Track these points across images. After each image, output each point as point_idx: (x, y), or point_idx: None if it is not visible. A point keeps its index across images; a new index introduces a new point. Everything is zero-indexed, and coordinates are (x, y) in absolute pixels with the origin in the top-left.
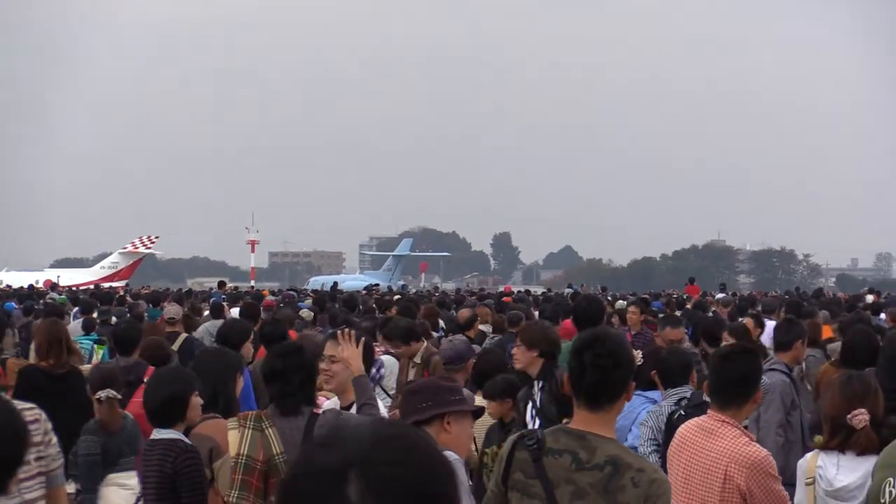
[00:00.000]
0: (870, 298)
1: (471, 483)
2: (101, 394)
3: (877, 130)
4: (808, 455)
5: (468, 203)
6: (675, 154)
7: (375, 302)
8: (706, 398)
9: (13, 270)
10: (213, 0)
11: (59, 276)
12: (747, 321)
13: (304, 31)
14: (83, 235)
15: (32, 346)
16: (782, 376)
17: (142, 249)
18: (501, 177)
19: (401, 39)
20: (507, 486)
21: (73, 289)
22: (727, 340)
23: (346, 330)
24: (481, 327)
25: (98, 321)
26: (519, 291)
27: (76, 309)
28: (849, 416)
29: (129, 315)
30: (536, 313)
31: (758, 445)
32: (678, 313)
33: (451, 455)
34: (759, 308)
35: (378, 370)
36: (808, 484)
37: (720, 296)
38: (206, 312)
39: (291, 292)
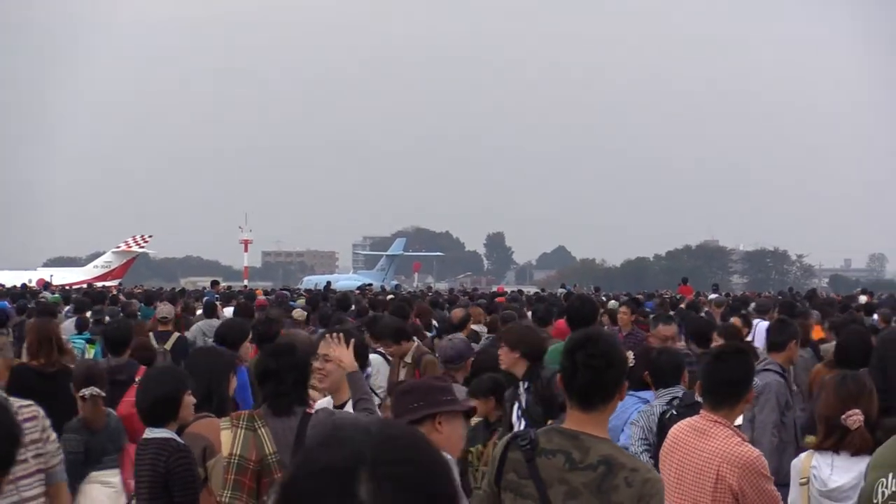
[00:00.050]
0: (863, 299)
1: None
2: (85, 391)
3: (877, 130)
4: (803, 455)
5: (462, 203)
6: (675, 154)
7: (369, 302)
8: (698, 398)
9: (5, 269)
10: (213, 0)
11: (52, 276)
12: (735, 321)
13: (304, 31)
14: (83, 235)
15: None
16: (776, 377)
17: (135, 249)
18: (501, 177)
19: (401, 39)
20: (501, 487)
21: (66, 288)
22: (717, 341)
23: (336, 333)
24: (474, 327)
25: (92, 320)
26: (512, 291)
27: (67, 308)
28: (843, 416)
29: (121, 314)
30: (529, 313)
31: (750, 445)
32: (671, 314)
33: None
34: (751, 308)
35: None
36: (802, 484)
37: (713, 296)
38: (199, 312)
39: (284, 292)
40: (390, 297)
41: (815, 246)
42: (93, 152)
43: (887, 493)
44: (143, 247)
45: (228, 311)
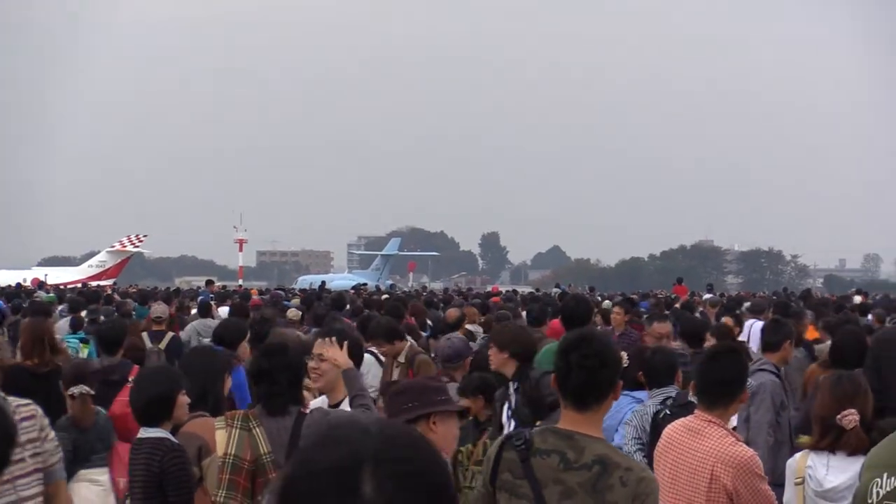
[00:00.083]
0: (857, 299)
1: None
2: (74, 390)
3: (877, 130)
4: (798, 455)
5: (458, 203)
6: (675, 154)
7: (363, 301)
8: (691, 398)
9: (0, 269)
10: (213, 0)
11: (46, 275)
12: (726, 320)
13: (304, 31)
14: (83, 235)
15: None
16: (772, 376)
17: (130, 248)
18: (501, 177)
19: (401, 39)
20: (496, 487)
21: (61, 287)
22: (710, 341)
23: (329, 336)
24: (469, 327)
25: (87, 320)
26: (507, 291)
27: (60, 307)
28: (839, 416)
29: (116, 314)
30: (524, 313)
31: (744, 445)
32: (666, 313)
33: None
34: (744, 308)
35: None
36: (797, 484)
37: (708, 296)
38: (194, 311)
39: (279, 291)
40: (385, 296)
41: (815, 246)
42: (93, 152)
43: (882, 493)
44: (137, 246)
45: (223, 311)
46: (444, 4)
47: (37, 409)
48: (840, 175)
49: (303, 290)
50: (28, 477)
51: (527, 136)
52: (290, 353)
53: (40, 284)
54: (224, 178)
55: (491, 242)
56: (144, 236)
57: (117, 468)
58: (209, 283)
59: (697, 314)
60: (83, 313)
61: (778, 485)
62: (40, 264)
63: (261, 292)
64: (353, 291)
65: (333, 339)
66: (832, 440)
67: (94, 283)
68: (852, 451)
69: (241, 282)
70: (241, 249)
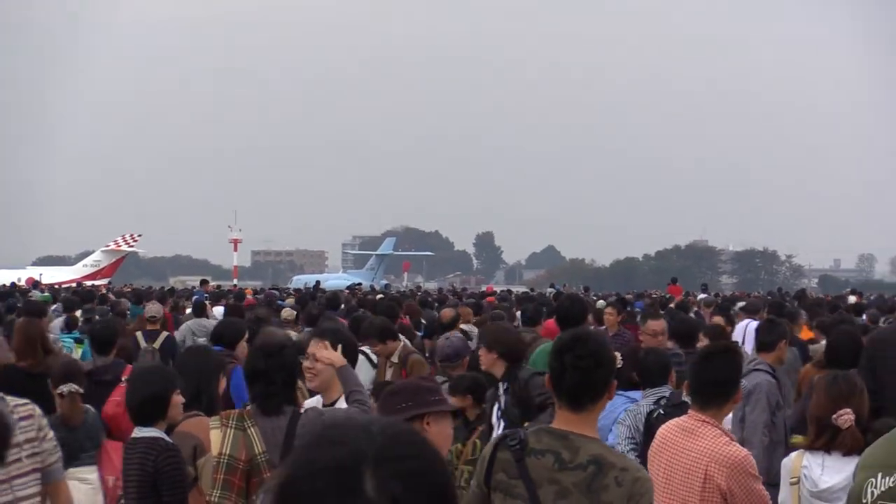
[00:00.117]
0: (852, 299)
1: None
2: (63, 388)
3: (877, 130)
4: (793, 454)
5: (454, 203)
6: (675, 154)
7: (358, 301)
8: (685, 398)
9: None
10: (213, 0)
11: (41, 274)
12: (717, 319)
13: (304, 31)
14: (83, 235)
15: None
16: (767, 377)
17: (124, 248)
18: (501, 177)
19: (401, 39)
20: (490, 487)
21: (56, 287)
22: (703, 341)
23: (322, 340)
24: (464, 327)
25: (82, 319)
26: (501, 291)
27: (54, 307)
28: (834, 415)
29: (111, 313)
30: (518, 313)
31: (738, 445)
32: (661, 312)
33: None
34: (736, 307)
35: None
36: (792, 483)
37: (702, 296)
38: (189, 311)
39: (273, 291)
40: (380, 296)
41: (815, 246)
42: (93, 152)
43: (876, 492)
44: (132, 246)
45: (218, 311)
46: (444, 4)
47: (35, 409)
48: (840, 175)
49: (297, 290)
50: (25, 477)
51: (527, 136)
52: (286, 353)
53: (35, 284)
54: (224, 178)
55: (485, 242)
56: (139, 236)
57: (106, 466)
58: (204, 282)
59: (692, 314)
60: (78, 313)
61: (773, 485)
62: (35, 263)
63: (255, 292)
64: (347, 291)
65: (327, 343)
66: (827, 440)
67: (88, 283)
68: (848, 451)
69: (235, 281)
70: (235, 249)
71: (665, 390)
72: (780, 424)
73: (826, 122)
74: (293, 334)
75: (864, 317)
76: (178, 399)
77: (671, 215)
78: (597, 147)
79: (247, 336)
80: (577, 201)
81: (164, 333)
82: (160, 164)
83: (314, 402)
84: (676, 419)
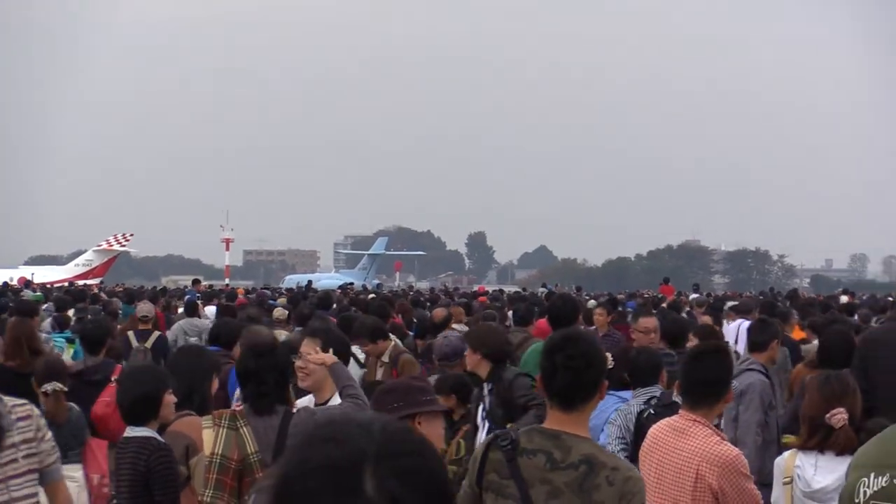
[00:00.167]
0: (844, 299)
1: None
2: (48, 386)
3: (877, 130)
4: (786, 454)
5: (452, 203)
6: (675, 154)
7: (350, 301)
8: (675, 398)
9: None
10: (213, 0)
11: (33, 274)
12: (705, 319)
13: (304, 31)
14: (83, 235)
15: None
16: (760, 376)
17: (116, 247)
18: (501, 177)
19: (401, 39)
20: (482, 488)
21: (48, 286)
22: (693, 341)
23: (315, 341)
24: (455, 326)
25: (74, 318)
26: (493, 291)
27: (45, 306)
28: (827, 415)
29: (103, 313)
30: (510, 313)
31: (729, 444)
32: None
33: None
34: (726, 307)
35: None
36: (785, 483)
37: (694, 296)
38: (181, 310)
39: (265, 291)
40: (372, 296)
41: (815, 246)
42: (93, 152)
43: (869, 492)
44: (124, 245)
45: (210, 310)
46: (444, 4)
47: (33, 410)
48: (840, 175)
49: (289, 290)
50: (21, 478)
51: (527, 136)
52: (278, 353)
53: (27, 283)
54: (224, 178)
55: (477, 242)
56: (131, 235)
57: (91, 464)
58: (196, 282)
59: (684, 314)
60: (70, 312)
61: (765, 484)
62: (27, 263)
63: (247, 291)
64: (339, 291)
65: (319, 342)
66: (820, 439)
67: (80, 283)
68: (841, 451)
69: (227, 281)
70: (227, 249)
71: (655, 390)
72: (773, 424)
73: (826, 122)
74: (284, 333)
75: (856, 317)
76: (169, 399)
77: (671, 215)
78: (597, 147)
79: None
80: (576, 201)
81: (156, 333)
82: (160, 164)
83: (306, 401)
84: (667, 419)
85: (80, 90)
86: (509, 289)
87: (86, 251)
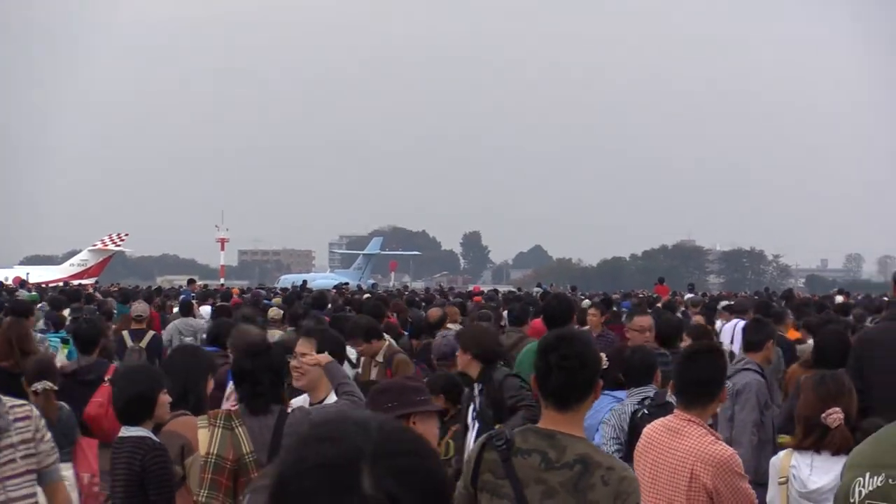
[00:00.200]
0: (839, 299)
1: None
2: (38, 385)
3: (877, 130)
4: (782, 453)
5: (447, 202)
6: (675, 154)
7: (345, 301)
8: (669, 398)
9: None
10: (213, 0)
11: (28, 273)
12: (697, 318)
13: (304, 31)
14: (83, 235)
15: None
16: (756, 376)
17: (111, 247)
18: (501, 177)
19: (401, 39)
20: (477, 488)
21: (43, 286)
22: (687, 341)
23: (311, 341)
24: (451, 326)
25: (69, 318)
26: (488, 291)
27: (39, 305)
28: (823, 415)
29: (98, 313)
30: (505, 313)
31: (724, 444)
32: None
33: None
34: (719, 307)
35: None
36: (780, 483)
37: (689, 296)
38: (176, 310)
39: (260, 290)
40: (367, 296)
41: (815, 247)
42: (93, 152)
43: (864, 492)
44: (119, 245)
45: (205, 310)
46: (444, 4)
47: (32, 410)
48: (840, 175)
49: (284, 290)
50: (19, 478)
51: (527, 136)
52: (273, 353)
53: (22, 283)
54: (224, 178)
55: (472, 242)
56: (126, 235)
57: (81, 463)
58: (191, 282)
59: (679, 314)
60: (66, 312)
61: (761, 484)
62: (22, 263)
63: (242, 291)
64: (334, 291)
65: (314, 341)
66: (816, 439)
67: (75, 282)
68: (837, 451)
69: (222, 281)
70: (222, 248)
71: (649, 390)
72: (769, 424)
73: (826, 122)
74: (278, 333)
75: (851, 316)
76: (164, 398)
77: (671, 215)
78: (597, 147)
79: None
80: (576, 201)
81: (151, 333)
82: (160, 164)
83: (301, 401)
84: (662, 419)
85: (80, 90)
86: (504, 288)
87: (81, 251)
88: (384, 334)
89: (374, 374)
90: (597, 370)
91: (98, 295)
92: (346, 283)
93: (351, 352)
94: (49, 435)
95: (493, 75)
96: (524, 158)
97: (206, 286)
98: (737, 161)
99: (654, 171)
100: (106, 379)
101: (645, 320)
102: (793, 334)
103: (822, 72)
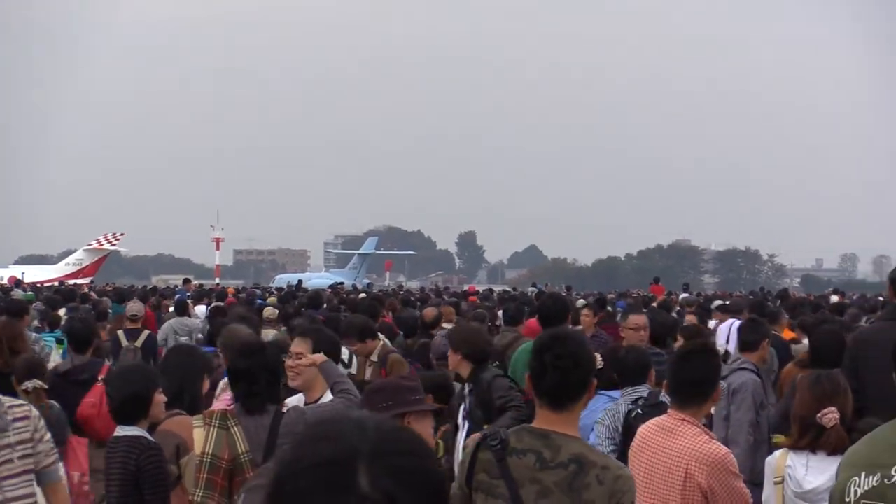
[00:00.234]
0: (834, 299)
1: None
2: (28, 384)
3: (877, 130)
4: (777, 453)
5: (453, 203)
6: (675, 154)
7: (340, 300)
8: (663, 398)
9: None
10: (213, 0)
11: (23, 273)
12: (689, 318)
13: (304, 31)
14: (83, 235)
15: None
16: (752, 375)
17: (106, 247)
18: (501, 177)
19: (401, 39)
20: (472, 488)
21: (38, 285)
22: (680, 341)
23: (306, 340)
24: (446, 326)
25: (65, 318)
26: (483, 291)
27: (34, 305)
28: (818, 414)
29: (93, 312)
30: (500, 312)
31: (718, 443)
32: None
33: None
34: (713, 306)
35: None
36: (776, 483)
37: (684, 296)
38: (171, 309)
39: (255, 290)
40: (362, 295)
41: (815, 247)
42: (93, 152)
43: (860, 491)
44: (114, 245)
45: (199, 310)
46: (444, 4)
47: (31, 411)
48: (840, 175)
49: (280, 289)
50: (16, 478)
51: (527, 136)
52: (268, 353)
53: (17, 282)
54: (224, 178)
55: (468, 242)
56: (121, 234)
57: (71, 462)
58: (186, 281)
59: (674, 314)
60: (62, 311)
61: (756, 484)
62: (17, 262)
63: (237, 291)
64: (329, 290)
65: (310, 341)
66: (811, 439)
67: (70, 282)
68: (832, 451)
69: (217, 280)
70: (217, 248)
71: (643, 390)
72: (765, 423)
73: (826, 122)
74: (272, 332)
75: (845, 316)
76: (159, 398)
77: (671, 215)
78: (597, 147)
79: None
80: (576, 201)
81: (146, 332)
82: (160, 164)
83: (296, 400)
84: (656, 418)
85: (80, 90)
86: (499, 288)
87: (76, 250)
88: (378, 334)
89: (368, 374)
90: (591, 370)
91: (93, 294)
92: (342, 283)
93: (343, 351)
94: (48, 435)
95: (493, 75)
96: (524, 158)
97: (201, 286)
98: (737, 161)
99: (654, 171)
100: (99, 378)
101: (640, 319)
102: (787, 334)
103: (822, 72)
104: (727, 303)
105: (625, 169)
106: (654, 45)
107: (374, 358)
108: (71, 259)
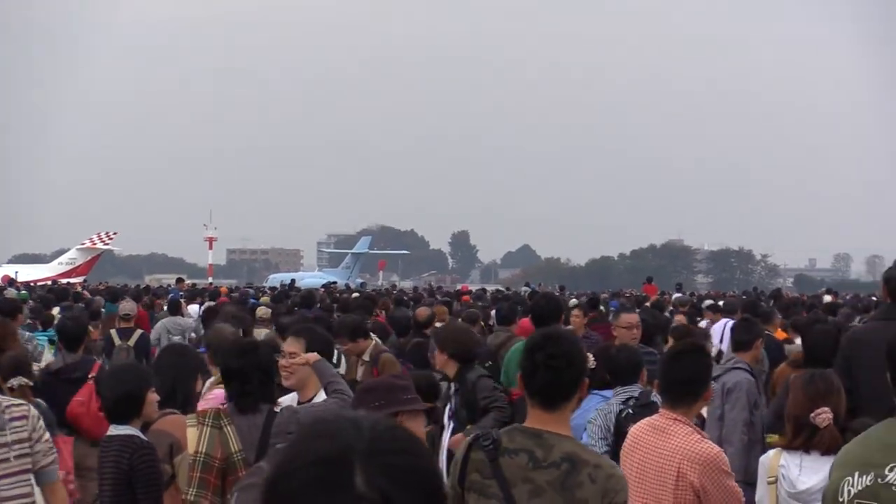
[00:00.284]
0: (827, 299)
1: None
2: (14, 381)
3: (877, 130)
4: (771, 453)
5: (453, 203)
6: (675, 154)
7: (333, 300)
8: (654, 398)
9: None
10: (213, 0)
11: (16, 272)
12: (678, 318)
13: (304, 31)
14: (82, 235)
15: None
16: (746, 375)
17: (100, 246)
18: (501, 177)
19: (401, 39)
20: (465, 488)
21: (31, 284)
22: (669, 341)
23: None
24: (438, 325)
25: (59, 317)
26: (476, 290)
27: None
28: (812, 414)
29: (86, 311)
30: (493, 312)
31: (710, 442)
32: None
33: None
34: (703, 305)
35: None
36: (770, 482)
37: (677, 296)
38: (164, 309)
39: (248, 289)
40: (355, 295)
41: (815, 247)
42: (93, 152)
43: (853, 491)
44: (107, 244)
45: (192, 309)
46: (444, 4)
47: (30, 410)
48: (840, 175)
49: (273, 289)
50: (12, 477)
51: (527, 136)
52: (261, 352)
53: (10, 282)
54: (224, 178)
55: (461, 241)
56: (114, 233)
57: (58, 460)
58: (179, 280)
59: (667, 314)
60: (55, 310)
61: (750, 483)
62: (11, 261)
63: (230, 290)
64: (323, 290)
65: (303, 341)
66: (805, 439)
67: (64, 281)
68: (826, 451)
69: (210, 280)
70: (210, 247)
71: (635, 389)
72: (758, 423)
73: (826, 122)
74: (264, 332)
75: (838, 315)
76: (152, 397)
77: (671, 215)
78: (597, 147)
79: None
80: (576, 201)
81: (139, 331)
82: (160, 164)
83: (289, 399)
84: (648, 418)
85: (80, 90)
86: (492, 288)
87: (69, 250)
88: (370, 333)
89: (360, 374)
90: (583, 369)
91: (86, 293)
92: (335, 282)
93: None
94: (47, 435)
95: (493, 75)
96: (524, 158)
97: (194, 285)
98: (737, 161)
99: (654, 171)
100: (90, 377)
101: (632, 317)
102: (780, 334)
103: (822, 72)
104: (718, 302)
105: (625, 169)
106: (654, 45)
107: (366, 357)
108: (64, 258)
